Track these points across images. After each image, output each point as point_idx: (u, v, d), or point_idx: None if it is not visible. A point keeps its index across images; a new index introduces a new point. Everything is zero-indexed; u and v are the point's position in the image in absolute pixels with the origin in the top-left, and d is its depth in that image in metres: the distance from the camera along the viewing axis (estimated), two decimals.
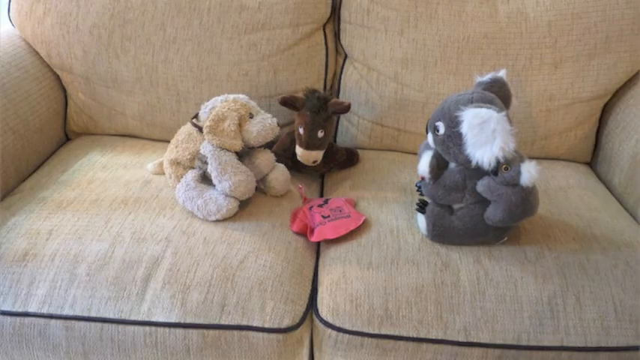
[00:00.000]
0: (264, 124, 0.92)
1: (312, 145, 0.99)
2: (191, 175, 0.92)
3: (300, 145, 1.01)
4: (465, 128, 0.74)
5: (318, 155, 1.02)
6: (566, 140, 1.13)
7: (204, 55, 1.10)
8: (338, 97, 1.19)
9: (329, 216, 0.92)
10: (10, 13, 1.16)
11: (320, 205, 0.96)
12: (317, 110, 0.98)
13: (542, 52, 1.07)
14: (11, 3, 1.15)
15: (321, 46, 1.14)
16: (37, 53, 1.16)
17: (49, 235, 0.85)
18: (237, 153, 0.92)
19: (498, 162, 0.74)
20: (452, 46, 1.08)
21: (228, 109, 0.91)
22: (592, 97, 1.10)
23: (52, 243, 0.84)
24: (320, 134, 0.99)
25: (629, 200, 1.00)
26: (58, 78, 1.18)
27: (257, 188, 0.96)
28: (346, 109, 1.00)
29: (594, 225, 0.91)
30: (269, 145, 0.99)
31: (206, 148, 0.91)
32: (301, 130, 0.99)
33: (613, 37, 1.06)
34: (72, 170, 1.03)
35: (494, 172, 0.77)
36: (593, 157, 1.18)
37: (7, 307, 0.78)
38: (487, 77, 0.85)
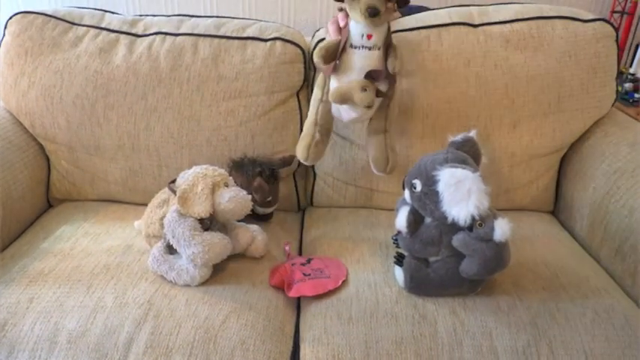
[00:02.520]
0: (237, 194, 0.92)
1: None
2: (157, 249, 0.93)
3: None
4: (441, 187, 0.78)
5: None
6: (528, 192, 1.19)
7: (185, 122, 1.14)
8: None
9: (310, 274, 0.95)
10: None
11: (303, 264, 0.98)
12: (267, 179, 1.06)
13: (501, 112, 1.14)
14: None
15: (295, 111, 1.19)
16: (20, 124, 1.19)
17: (29, 304, 0.85)
18: (211, 224, 0.94)
19: (473, 219, 0.78)
20: (417, 112, 1.14)
21: (205, 174, 0.93)
22: (550, 151, 1.17)
23: (32, 311, 0.83)
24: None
25: (592, 245, 1.05)
26: (41, 147, 1.21)
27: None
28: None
29: (561, 273, 0.95)
30: None
31: (167, 218, 0.92)
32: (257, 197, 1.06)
33: (565, 96, 1.14)
34: (54, 237, 1.04)
35: (469, 228, 0.81)
36: (555, 206, 1.23)
37: None
38: (459, 137, 0.90)
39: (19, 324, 0.81)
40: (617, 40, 1.16)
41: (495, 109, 1.14)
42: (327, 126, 0.98)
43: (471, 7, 1.22)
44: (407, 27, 1.17)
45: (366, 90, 0.89)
